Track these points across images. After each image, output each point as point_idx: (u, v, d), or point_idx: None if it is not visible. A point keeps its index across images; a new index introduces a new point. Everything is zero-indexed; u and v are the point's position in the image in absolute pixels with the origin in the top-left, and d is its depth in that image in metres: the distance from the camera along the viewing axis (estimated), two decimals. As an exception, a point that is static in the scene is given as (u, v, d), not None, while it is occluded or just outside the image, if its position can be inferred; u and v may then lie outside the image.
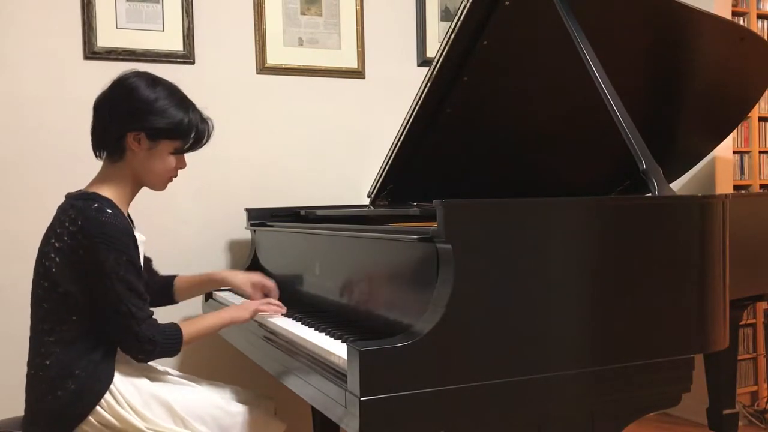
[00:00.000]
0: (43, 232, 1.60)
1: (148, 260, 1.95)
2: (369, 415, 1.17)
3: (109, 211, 1.53)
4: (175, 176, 1.72)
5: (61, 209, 1.58)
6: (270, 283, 1.99)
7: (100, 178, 1.65)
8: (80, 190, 1.64)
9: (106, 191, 1.60)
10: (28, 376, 1.59)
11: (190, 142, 1.67)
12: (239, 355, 2.09)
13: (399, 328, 1.33)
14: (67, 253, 1.52)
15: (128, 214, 1.75)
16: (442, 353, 1.21)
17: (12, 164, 2.36)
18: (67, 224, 1.52)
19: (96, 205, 1.53)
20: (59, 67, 2.42)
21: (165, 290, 1.98)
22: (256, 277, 2.00)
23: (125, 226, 1.55)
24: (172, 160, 1.66)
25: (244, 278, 1.98)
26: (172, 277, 2.01)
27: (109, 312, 1.52)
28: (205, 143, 1.71)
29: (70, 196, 1.61)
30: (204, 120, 1.69)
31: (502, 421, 1.30)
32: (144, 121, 1.60)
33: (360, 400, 1.16)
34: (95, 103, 1.65)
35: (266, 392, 1.94)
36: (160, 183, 1.69)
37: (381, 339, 1.21)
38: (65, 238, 1.52)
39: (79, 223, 1.51)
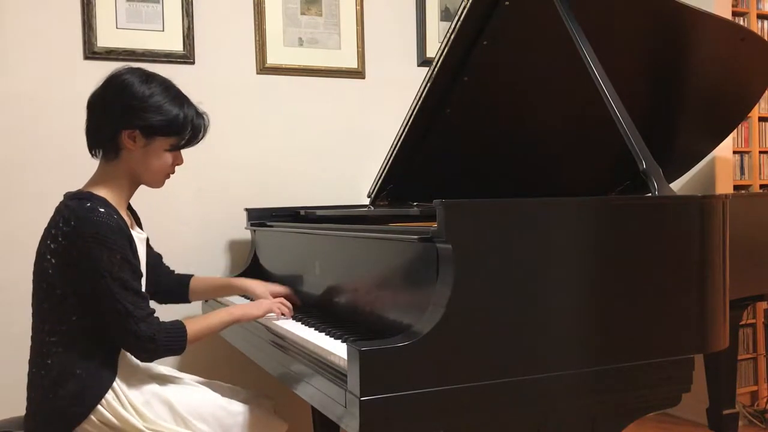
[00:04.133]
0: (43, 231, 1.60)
1: (158, 256, 1.95)
2: (369, 415, 1.17)
3: (102, 210, 1.52)
4: (173, 173, 1.70)
5: (57, 209, 1.58)
6: (291, 296, 1.96)
7: (96, 178, 1.64)
8: (77, 190, 1.63)
9: (102, 190, 1.59)
10: (30, 375, 1.58)
11: (186, 138, 1.64)
12: (239, 355, 2.09)
13: (399, 328, 1.33)
14: (62, 254, 1.51)
15: (131, 211, 1.75)
16: (442, 353, 1.21)
17: (12, 164, 2.36)
18: (61, 224, 1.52)
19: (89, 204, 1.52)
20: (59, 67, 2.42)
21: (179, 288, 1.98)
22: (277, 288, 1.98)
23: (118, 225, 1.53)
24: (168, 157, 1.64)
25: (263, 289, 1.95)
26: (188, 276, 2.01)
27: (107, 312, 1.51)
28: (202, 138, 1.69)
29: (66, 196, 1.61)
30: (199, 115, 1.67)
31: (501, 421, 1.30)
32: (138, 118, 1.58)
33: (360, 400, 1.16)
34: (89, 100, 1.63)
35: (266, 392, 1.94)
36: (157, 180, 1.68)
37: (381, 339, 1.22)
38: (59, 239, 1.51)
39: (72, 223, 1.50)
